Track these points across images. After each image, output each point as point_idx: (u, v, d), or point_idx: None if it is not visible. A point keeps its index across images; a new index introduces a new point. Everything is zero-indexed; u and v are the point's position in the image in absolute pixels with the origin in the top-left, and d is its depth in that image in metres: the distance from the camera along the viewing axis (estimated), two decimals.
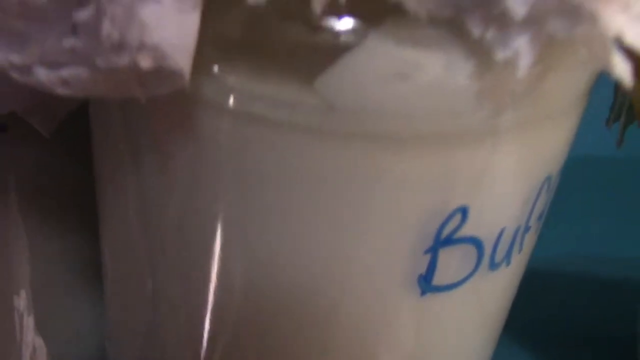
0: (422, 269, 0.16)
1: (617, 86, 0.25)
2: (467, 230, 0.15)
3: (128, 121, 0.15)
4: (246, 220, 0.15)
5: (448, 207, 0.15)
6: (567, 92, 0.15)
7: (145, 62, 0.12)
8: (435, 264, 0.16)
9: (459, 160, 0.14)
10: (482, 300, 0.18)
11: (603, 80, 0.23)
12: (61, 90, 0.14)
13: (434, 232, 0.15)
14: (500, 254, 0.17)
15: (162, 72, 0.12)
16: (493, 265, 0.17)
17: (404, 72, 0.13)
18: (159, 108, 0.14)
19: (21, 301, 0.24)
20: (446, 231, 0.15)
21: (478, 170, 0.15)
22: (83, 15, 0.12)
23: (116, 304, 0.21)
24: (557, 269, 0.29)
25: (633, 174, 0.25)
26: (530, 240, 0.18)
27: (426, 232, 0.15)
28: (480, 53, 0.13)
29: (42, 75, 0.13)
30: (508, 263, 0.17)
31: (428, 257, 0.15)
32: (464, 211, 0.15)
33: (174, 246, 0.17)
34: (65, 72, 0.13)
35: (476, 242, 0.16)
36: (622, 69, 0.13)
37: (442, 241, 0.15)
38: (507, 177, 0.15)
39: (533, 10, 0.12)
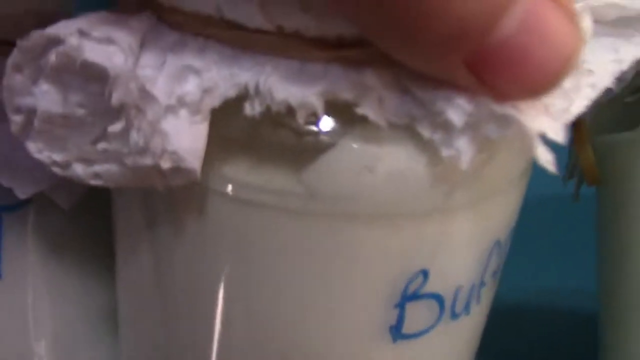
0: (393, 320, 0.19)
1: (570, 148, 0.28)
2: (428, 288, 0.18)
3: (147, 202, 0.18)
4: (244, 285, 0.18)
5: (411, 270, 0.18)
6: (508, 172, 0.19)
7: (165, 164, 0.15)
8: (403, 316, 0.19)
9: (419, 233, 0.18)
10: (448, 344, 0.21)
11: None
12: (94, 182, 0.17)
13: (401, 290, 0.18)
14: (459, 306, 0.20)
15: (179, 171, 0.16)
16: (454, 315, 0.20)
17: (371, 165, 0.16)
18: (174, 194, 0.17)
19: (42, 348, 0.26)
20: (411, 289, 0.18)
21: (436, 240, 0.18)
22: (115, 128, 0.15)
23: (130, 349, 0.24)
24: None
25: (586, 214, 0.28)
26: (487, 293, 0.21)
27: (395, 290, 0.18)
28: (431, 149, 0.16)
29: (79, 170, 0.17)
30: (467, 313, 0.20)
31: (397, 310, 0.19)
32: (425, 273, 0.18)
33: (182, 304, 0.20)
34: (98, 168, 0.16)
35: (437, 297, 0.19)
36: (545, 159, 0.16)
37: (408, 297, 0.18)
38: (461, 244, 0.18)
39: (469, 120, 0.15)
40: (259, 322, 0.18)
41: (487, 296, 0.21)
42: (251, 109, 0.15)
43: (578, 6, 0.16)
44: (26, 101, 0.16)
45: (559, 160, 0.28)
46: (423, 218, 0.17)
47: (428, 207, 0.17)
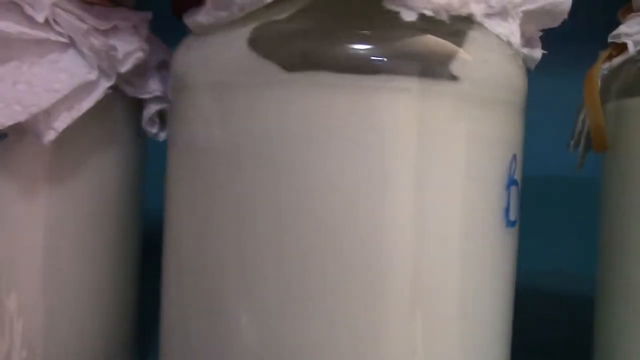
0: (505, 203, 0.22)
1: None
2: (516, 174, 0.22)
3: None
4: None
5: (511, 153, 0.22)
6: None
7: None
8: (509, 201, 0.22)
9: (516, 120, 0.23)
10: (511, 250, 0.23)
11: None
12: None
13: (508, 172, 0.22)
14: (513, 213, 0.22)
15: None
16: (509, 224, 0.22)
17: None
18: None
19: None
20: (511, 172, 0.22)
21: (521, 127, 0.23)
22: None
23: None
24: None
25: (590, 195, 0.27)
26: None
27: (504, 172, 0.22)
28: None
29: None
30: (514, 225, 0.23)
31: (507, 193, 0.22)
32: (515, 157, 0.22)
33: None
34: None
35: (517, 185, 0.22)
36: None
37: (511, 180, 0.22)
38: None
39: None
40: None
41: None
42: None
43: None
44: None
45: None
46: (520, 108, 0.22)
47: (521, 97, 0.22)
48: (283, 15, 0.21)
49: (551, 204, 0.33)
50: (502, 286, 0.23)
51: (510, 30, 0.22)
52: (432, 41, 0.20)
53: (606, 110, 0.25)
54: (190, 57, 0.23)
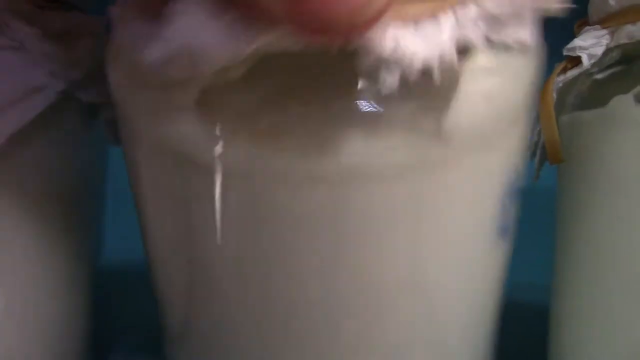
0: (499, 219, 0.21)
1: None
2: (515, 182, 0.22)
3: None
4: None
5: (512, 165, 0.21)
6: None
7: None
8: (503, 212, 0.21)
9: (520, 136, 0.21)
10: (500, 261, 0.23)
11: None
12: None
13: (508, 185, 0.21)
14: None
15: None
16: (502, 232, 0.22)
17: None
18: None
19: None
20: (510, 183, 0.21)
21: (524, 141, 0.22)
22: None
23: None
24: None
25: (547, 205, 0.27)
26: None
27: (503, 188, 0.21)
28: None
29: None
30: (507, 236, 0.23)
31: (501, 206, 0.21)
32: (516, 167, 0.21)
33: None
34: None
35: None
36: None
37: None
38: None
39: None
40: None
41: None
42: None
43: None
44: None
45: None
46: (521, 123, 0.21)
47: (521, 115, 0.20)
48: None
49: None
50: (495, 291, 0.24)
51: (522, 27, 0.19)
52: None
53: (561, 123, 0.25)
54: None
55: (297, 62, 0.17)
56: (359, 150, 0.18)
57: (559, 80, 0.24)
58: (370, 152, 0.18)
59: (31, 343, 0.26)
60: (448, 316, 0.22)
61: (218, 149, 0.18)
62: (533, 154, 0.28)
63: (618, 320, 0.25)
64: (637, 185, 0.23)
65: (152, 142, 0.20)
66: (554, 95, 0.25)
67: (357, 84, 0.18)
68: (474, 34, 0.18)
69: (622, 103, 0.23)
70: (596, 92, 0.24)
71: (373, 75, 0.17)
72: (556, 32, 0.24)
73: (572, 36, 0.25)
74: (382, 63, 0.16)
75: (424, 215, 0.19)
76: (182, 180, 0.20)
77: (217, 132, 0.18)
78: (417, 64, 0.16)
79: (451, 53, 0.17)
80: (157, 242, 0.23)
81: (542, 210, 0.28)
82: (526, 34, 0.19)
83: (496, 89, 0.19)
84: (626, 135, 0.23)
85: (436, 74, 0.17)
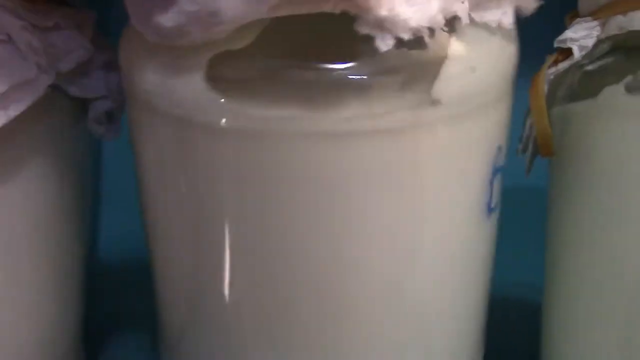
0: (488, 196, 0.23)
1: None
2: (500, 161, 0.23)
3: None
4: None
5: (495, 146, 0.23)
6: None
7: None
8: (492, 191, 0.23)
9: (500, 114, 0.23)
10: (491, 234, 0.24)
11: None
12: None
13: (492, 166, 0.23)
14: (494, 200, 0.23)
15: None
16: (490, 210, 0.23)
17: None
18: None
19: None
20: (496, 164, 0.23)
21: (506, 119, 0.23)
22: None
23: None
24: None
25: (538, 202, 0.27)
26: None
27: (490, 167, 0.23)
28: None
29: None
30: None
31: (490, 186, 0.23)
32: (500, 148, 0.23)
33: None
34: None
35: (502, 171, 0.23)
36: None
37: (495, 171, 0.23)
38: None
39: None
40: None
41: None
42: None
43: None
44: None
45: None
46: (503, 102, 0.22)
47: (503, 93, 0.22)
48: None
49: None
50: (483, 271, 0.24)
51: (501, 10, 0.21)
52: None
53: (552, 115, 0.25)
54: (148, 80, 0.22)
55: (298, 28, 0.19)
56: (354, 112, 0.20)
57: (550, 72, 0.24)
58: (364, 114, 0.20)
59: (24, 339, 0.26)
60: (435, 292, 0.23)
61: (223, 112, 0.20)
62: (525, 148, 0.28)
63: (609, 316, 0.25)
64: (628, 175, 0.23)
65: (160, 106, 0.21)
66: (545, 87, 0.24)
67: (353, 50, 0.19)
68: (460, 9, 0.20)
69: (613, 94, 0.23)
70: (587, 83, 0.24)
71: (370, 38, 0.18)
72: (547, 25, 0.24)
73: (563, 28, 0.25)
74: (378, 25, 0.18)
75: (413, 179, 0.21)
76: (187, 144, 0.21)
77: (223, 96, 0.20)
78: (410, 28, 0.18)
79: (439, 22, 0.19)
80: (160, 212, 0.23)
81: (535, 209, 0.28)
82: (506, 17, 0.21)
83: (480, 62, 0.21)
84: (617, 126, 0.23)
85: (426, 40, 0.19)
